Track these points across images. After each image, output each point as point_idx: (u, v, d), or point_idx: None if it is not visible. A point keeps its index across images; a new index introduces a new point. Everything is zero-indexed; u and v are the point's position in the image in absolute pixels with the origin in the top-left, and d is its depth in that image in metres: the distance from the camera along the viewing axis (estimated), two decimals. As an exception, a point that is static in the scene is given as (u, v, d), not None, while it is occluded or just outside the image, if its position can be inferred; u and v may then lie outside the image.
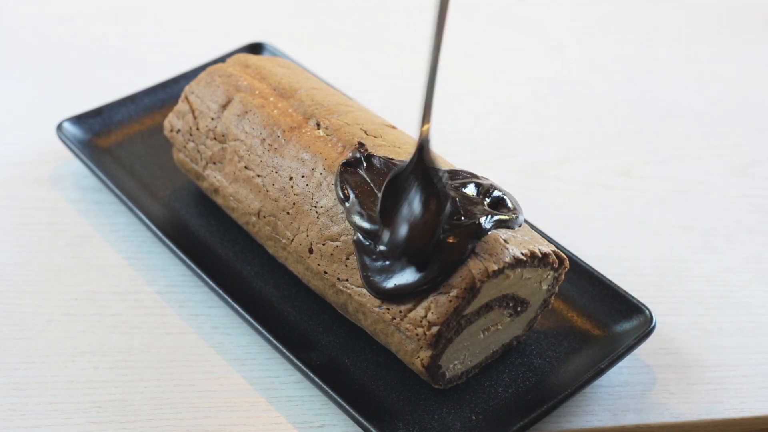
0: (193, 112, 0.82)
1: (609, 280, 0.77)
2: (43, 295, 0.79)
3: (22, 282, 0.80)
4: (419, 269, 0.66)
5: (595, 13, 1.28)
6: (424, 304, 0.66)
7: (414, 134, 0.79)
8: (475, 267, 0.65)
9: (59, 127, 0.90)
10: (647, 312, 0.74)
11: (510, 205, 0.70)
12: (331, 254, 0.70)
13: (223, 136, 0.79)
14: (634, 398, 0.74)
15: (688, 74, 1.15)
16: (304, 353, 0.72)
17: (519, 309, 0.71)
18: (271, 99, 0.78)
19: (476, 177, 0.72)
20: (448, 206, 0.65)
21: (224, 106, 0.80)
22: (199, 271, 0.76)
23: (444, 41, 0.62)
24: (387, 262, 0.66)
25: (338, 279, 0.70)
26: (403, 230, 0.65)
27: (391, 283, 0.67)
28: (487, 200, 0.70)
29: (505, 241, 0.67)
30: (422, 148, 0.64)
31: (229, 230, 0.83)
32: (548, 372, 0.73)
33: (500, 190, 0.71)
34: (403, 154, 0.72)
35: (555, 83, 1.12)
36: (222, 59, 0.95)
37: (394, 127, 0.78)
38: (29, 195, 0.88)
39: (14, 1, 1.19)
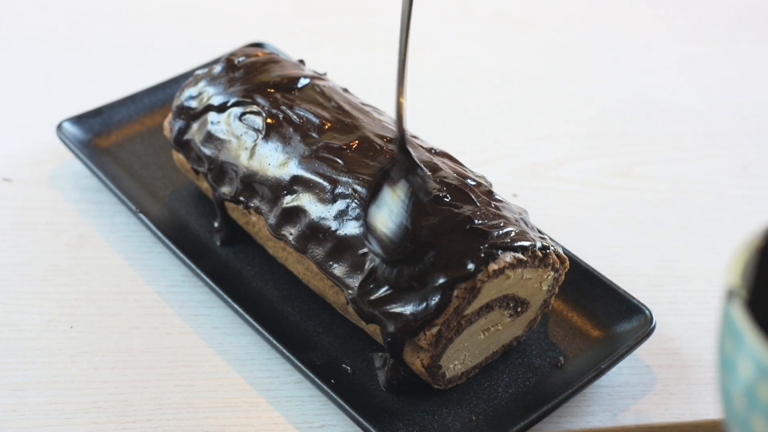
0: (192, 111, 0.82)
1: (609, 280, 0.77)
2: (43, 295, 0.79)
3: (22, 282, 0.80)
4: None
5: (595, 12, 1.28)
6: (424, 304, 0.66)
7: (420, 136, 0.79)
8: (475, 267, 0.65)
9: (59, 127, 0.90)
10: (647, 312, 0.74)
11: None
12: (331, 254, 0.70)
13: (223, 135, 0.78)
14: (634, 398, 0.74)
15: (688, 74, 1.15)
16: (304, 353, 0.72)
17: (519, 309, 0.71)
18: (271, 99, 0.78)
19: (476, 178, 0.72)
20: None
21: (223, 106, 0.79)
22: (199, 272, 0.76)
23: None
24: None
25: (338, 279, 0.70)
26: (382, 234, 0.65)
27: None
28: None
29: (505, 241, 0.67)
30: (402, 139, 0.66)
31: (229, 230, 0.83)
32: (548, 372, 0.73)
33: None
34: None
35: (555, 83, 1.12)
36: (222, 59, 0.95)
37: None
38: (29, 195, 0.88)
39: (14, 1, 1.19)
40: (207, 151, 0.79)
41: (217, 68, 0.83)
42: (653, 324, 0.73)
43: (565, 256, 0.71)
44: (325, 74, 0.85)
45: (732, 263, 0.45)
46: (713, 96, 1.11)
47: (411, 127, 0.82)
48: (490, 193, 0.71)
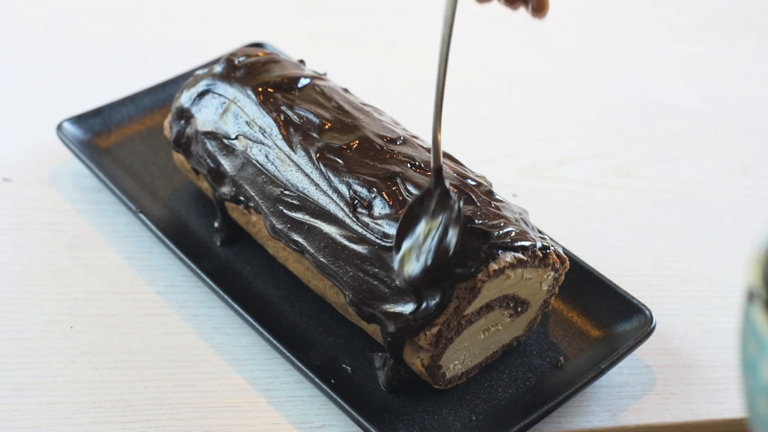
0: (190, 112, 0.82)
1: (609, 280, 0.77)
2: (43, 295, 0.79)
3: (22, 282, 0.80)
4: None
5: (596, 13, 1.28)
6: (424, 304, 0.66)
7: (427, 139, 0.79)
8: (475, 267, 0.65)
9: (59, 127, 0.90)
10: (647, 312, 0.74)
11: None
12: (331, 254, 0.70)
13: (221, 136, 0.78)
14: (634, 398, 0.74)
15: (689, 74, 1.15)
16: (304, 353, 0.72)
17: (519, 309, 0.71)
18: (271, 99, 0.78)
19: (476, 178, 0.72)
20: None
21: (222, 106, 0.79)
22: (199, 272, 0.76)
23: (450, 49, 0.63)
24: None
25: (338, 279, 0.70)
26: (419, 264, 0.64)
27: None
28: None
29: (505, 241, 0.67)
30: (439, 171, 0.65)
31: (229, 230, 0.83)
32: (548, 372, 0.73)
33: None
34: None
35: (555, 83, 1.12)
36: (222, 59, 0.95)
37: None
38: (29, 195, 0.88)
39: (14, 1, 1.19)
40: (207, 151, 0.79)
41: (217, 68, 0.83)
42: (653, 324, 0.73)
43: (565, 256, 0.71)
44: (325, 74, 0.85)
45: (751, 262, 0.43)
46: (713, 96, 1.11)
47: (410, 126, 0.82)
48: (490, 193, 0.71)
